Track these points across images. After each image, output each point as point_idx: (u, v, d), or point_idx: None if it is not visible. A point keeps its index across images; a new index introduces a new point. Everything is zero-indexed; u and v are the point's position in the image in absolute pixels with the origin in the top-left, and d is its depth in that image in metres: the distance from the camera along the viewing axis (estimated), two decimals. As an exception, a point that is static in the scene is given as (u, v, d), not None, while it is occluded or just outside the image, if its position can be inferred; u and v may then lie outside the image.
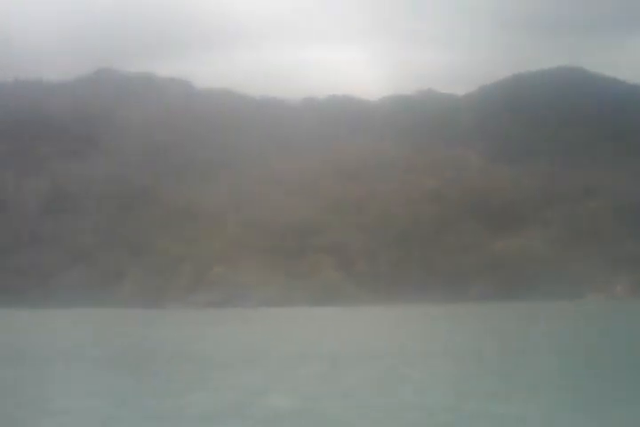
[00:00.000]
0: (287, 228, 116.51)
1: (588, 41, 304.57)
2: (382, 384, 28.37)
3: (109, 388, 28.28)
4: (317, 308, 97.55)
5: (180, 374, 31.36)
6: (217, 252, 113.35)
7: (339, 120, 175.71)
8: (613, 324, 67.56)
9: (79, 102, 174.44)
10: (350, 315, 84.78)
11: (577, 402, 23.85)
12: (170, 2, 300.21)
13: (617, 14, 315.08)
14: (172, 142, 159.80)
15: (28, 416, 23.42)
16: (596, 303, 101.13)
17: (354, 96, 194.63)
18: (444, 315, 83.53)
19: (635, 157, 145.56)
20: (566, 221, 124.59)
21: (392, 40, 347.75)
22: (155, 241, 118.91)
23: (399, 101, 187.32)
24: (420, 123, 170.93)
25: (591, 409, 22.57)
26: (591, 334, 54.70)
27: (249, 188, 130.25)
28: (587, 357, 37.72)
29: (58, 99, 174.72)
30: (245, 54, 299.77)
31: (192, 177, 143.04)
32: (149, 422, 21.57)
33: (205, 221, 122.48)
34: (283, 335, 53.34)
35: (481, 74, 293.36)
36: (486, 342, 46.67)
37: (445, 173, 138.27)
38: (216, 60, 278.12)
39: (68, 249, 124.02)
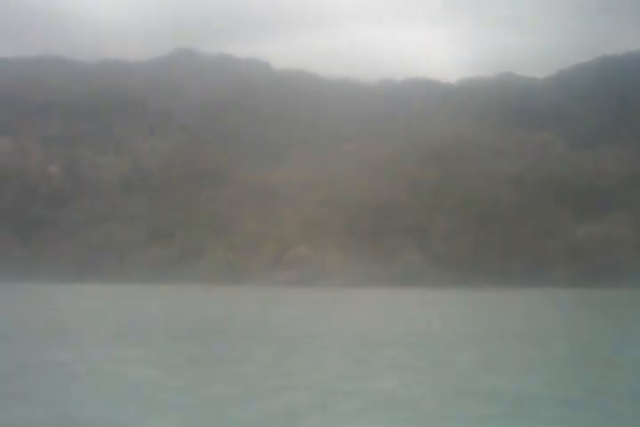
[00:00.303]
0: (365, 208, 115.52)
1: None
2: (539, 364, 27.06)
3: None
4: (398, 289, 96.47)
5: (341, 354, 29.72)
6: (296, 231, 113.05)
7: (415, 102, 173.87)
8: None
9: (157, 82, 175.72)
10: (433, 297, 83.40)
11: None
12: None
13: None
14: (248, 122, 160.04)
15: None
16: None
17: (431, 78, 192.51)
18: (528, 299, 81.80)
19: None
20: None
21: (471, 22, 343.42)
22: (233, 219, 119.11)
23: (478, 84, 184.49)
24: (500, 106, 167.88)
25: None
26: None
27: (326, 168, 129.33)
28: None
29: (137, 78, 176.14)
30: (323, 35, 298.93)
31: (268, 157, 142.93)
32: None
33: (283, 200, 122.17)
34: (390, 316, 52.19)
35: (561, 57, 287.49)
36: (580, 328, 45.22)
37: (527, 156, 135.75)
38: (293, 41, 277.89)
39: (146, 226, 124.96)
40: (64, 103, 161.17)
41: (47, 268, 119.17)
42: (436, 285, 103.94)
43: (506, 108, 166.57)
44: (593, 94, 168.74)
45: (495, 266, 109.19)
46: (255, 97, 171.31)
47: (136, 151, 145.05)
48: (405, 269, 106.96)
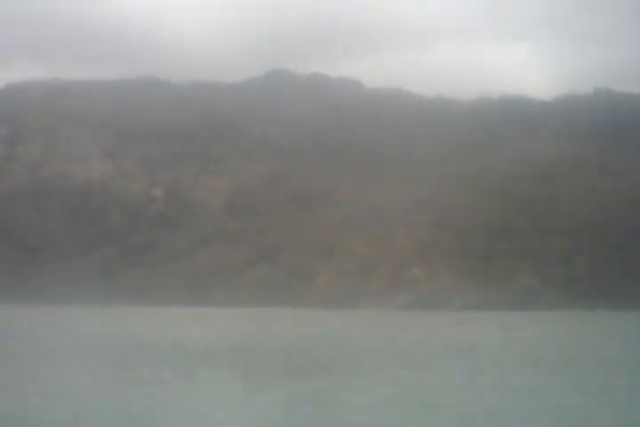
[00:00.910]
0: (476, 230, 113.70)
1: None
2: None
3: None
4: (514, 313, 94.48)
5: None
6: (408, 253, 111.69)
7: (512, 119, 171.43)
8: None
9: (252, 103, 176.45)
10: (555, 320, 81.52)
11: None
12: (340, 3, 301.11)
13: None
14: (344, 142, 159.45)
15: None
16: None
17: (526, 95, 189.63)
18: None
19: None
20: None
21: (565, 38, 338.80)
22: (341, 241, 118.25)
23: (575, 101, 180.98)
24: (598, 122, 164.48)
25: None
26: None
27: (431, 188, 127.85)
28: None
29: (232, 99, 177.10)
30: (415, 53, 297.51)
31: (368, 177, 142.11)
32: None
33: (390, 221, 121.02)
34: (523, 339, 50.85)
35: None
36: None
37: (633, 175, 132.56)
38: (386, 60, 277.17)
39: (251, 248, 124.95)
40: (162, 125, 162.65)
41: (156, 291, 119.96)
42: (552, 307, 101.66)
43: (605, 124, 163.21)
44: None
45: (612, 287, 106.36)
46: (349, 116, 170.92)
47: (236, 173, 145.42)
48: (520, 291, 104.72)
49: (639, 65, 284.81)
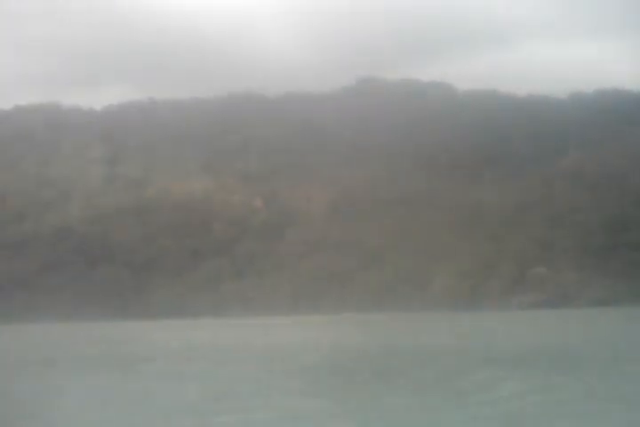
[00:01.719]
0: (593, 225, 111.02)
1: None
2: None
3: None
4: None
5: None
6: (529, 251, 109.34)
7: (608, 114, 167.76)
8: None
9: (346, 111, 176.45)
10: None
11: None
12: (426, 9, 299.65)
13: None
14: (441, 145, 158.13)
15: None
16: None
17: (622, 88, 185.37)
18: None
19: None
20: None
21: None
22: (453, 242, 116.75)
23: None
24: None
25: None
26: None
27: (537, 186, 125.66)
28: None
29: (325, 109, 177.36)
30: (507, 53, 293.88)
31: (467, 177, 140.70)
32: None
33: (502, 221, 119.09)
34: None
35: None
36: None
37: None
38: (476, 61, 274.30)
39: (357, 254, 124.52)
40: (258, 138, 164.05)
41: (262, 300, 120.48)
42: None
43: None
44: None
45: None
46: (441, 119, 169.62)
47: (335, 180, 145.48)
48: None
49: None
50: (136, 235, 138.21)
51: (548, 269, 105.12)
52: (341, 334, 67.79)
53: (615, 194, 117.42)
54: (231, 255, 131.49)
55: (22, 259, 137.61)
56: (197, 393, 28.53)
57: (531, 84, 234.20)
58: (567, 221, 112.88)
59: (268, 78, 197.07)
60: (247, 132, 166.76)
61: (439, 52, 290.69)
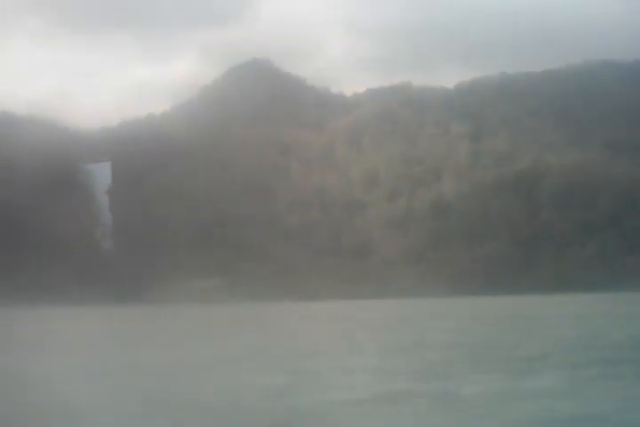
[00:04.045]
0: None
1: None
2: None
3: None
4: None
5: None
6: None
7: None
8: None
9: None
10: None
11: None
12: None
13: None
14: None
15: None
16: None
17: None
18: None
19: None
20: None
21: None
22: None
23: None
24: None
25: None
26: None
27: None
28: None
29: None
30: None
31: None
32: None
33: None
34: None
35: None
36: None
37: None
38: None
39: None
40: (623, 107, 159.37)
41: None
42: None
43: None
44: None
45: None
46: None
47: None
48: None
49: None
50: (516, 209, 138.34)
51: None
52: None
53: None
54: (621, 229, 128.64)
55: (400, 235, 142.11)
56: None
57: None
58: None
59: (618, 45, 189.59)
60: (607, 100, 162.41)
61: None
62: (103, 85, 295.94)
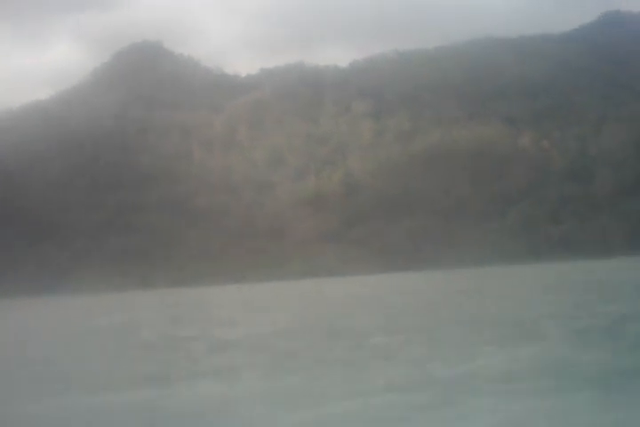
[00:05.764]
0: None
1: None
2: None
3: None
4: None
5: None
6: None
7: None
8: None
9: (594, 48, 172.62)
10: None
11: None
12: None
13: None
14: None
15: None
16: None
17: None
18: None
19: None
20: None
21: None
22: None
23: None
24: None
25: None
26: None
27: None
28: None
29: (568, 48, 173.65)
30: None
31: None
32: None
33: None
34: None
35: None
36: None
37: None
38: None
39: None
40: (518, 81, 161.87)
41: (588, 243, 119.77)
42: None
43: None
44: None
45: None
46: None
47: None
48: None
49: None
50: (429, 184, 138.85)
51: None
52: None
53: None
54: (538, 199, 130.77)
55: (314, 214, 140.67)
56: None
57: None
58: None
59: (513, 21, 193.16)
60: (506, 74, 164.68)
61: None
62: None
